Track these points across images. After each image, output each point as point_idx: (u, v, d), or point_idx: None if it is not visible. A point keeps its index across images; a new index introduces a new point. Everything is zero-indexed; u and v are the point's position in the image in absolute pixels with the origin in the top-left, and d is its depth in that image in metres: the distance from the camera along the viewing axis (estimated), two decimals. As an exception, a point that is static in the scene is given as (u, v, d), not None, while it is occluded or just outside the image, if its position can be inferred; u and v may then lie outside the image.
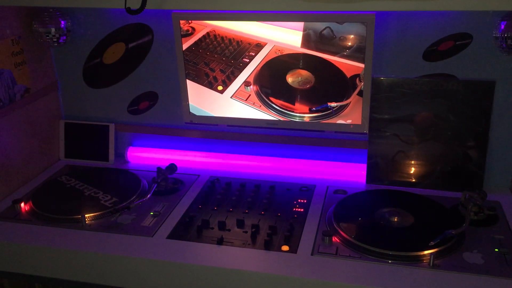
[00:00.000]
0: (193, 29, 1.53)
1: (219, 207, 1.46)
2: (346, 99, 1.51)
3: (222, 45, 1.54)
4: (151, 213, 1.43)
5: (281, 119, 1.57)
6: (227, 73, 1.56)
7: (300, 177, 1.63)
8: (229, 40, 1.52)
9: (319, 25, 1.44)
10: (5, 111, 1.55)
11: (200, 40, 1.54)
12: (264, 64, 1.53)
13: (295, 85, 1.53)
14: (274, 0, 1.15)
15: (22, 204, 1.50)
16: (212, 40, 1.54)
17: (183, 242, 1.31)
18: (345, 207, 1.43)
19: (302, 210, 1.44)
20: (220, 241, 1.29)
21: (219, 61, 1.56)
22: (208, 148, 1.74)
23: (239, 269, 1.20)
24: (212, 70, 1.57)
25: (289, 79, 1.53)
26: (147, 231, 1.35)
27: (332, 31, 1.43)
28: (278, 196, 1.52)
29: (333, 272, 1.18)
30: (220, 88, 1.59)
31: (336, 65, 1.47)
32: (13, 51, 1.57)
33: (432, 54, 1.47)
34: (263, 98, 1.57)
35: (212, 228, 1.36)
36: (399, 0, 1.08)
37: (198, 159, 1.72)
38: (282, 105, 1.56)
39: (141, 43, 1.67)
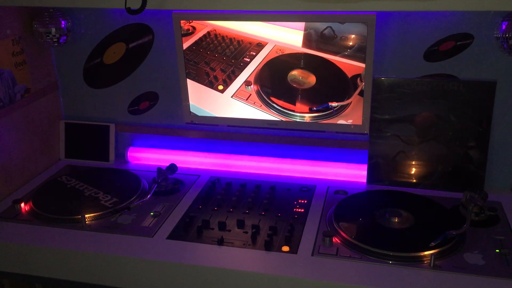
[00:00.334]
0: (194, 28, 1.53)
1: (219, 208, 1.46)
2: (347, 99, 1.50)
3: (223, 44, 1.53)
4: (151, 214, 1.43)
5: (282, 119, 1.57)
6: (227, 73, 1.56)
7: (301, 177, 1.63)
8: (230, 39, 1.52)
9: (320, 25, 1.43)
10: (5, 111, 1.55)
11: (200, 39, 1.54)
12: (265, 64, 1.53)
13: (296, 85, 1.53)
14: (274, 0, 1.15)
15: (22, 204, 1.50)
16: (213, 40, 1.54)
17: (183, 242, 1.31)
18: (346, 207, 1.42)
19: (302, 210, 1.43)
20: (220, 242, 1.29)
21: (219, 61, 1.56)
22: (208, 148, 1.74)
23: (239, 269, 1.20)
24: (213, 69, 1.57)
25: (290, 79, 1.53)
26: (147, 232, 1.35)
27: (333, 30, 1.43)
28: (279, 196, 1.51)
29: (334, 272, 1.17)
30: (220, 87, 1.59)
31: (337, 65, 1.47)
32: (14, 51, 1.56)
33: (433, 54, 1.47)
34: (263, 98, 1.57)
35: (213, 229, 1.36)
36: (400, 0, 1.08)
37: (198, 159, 1.72)
38: (282, 105, 1.56)
39: (141, 43, 1.67)
